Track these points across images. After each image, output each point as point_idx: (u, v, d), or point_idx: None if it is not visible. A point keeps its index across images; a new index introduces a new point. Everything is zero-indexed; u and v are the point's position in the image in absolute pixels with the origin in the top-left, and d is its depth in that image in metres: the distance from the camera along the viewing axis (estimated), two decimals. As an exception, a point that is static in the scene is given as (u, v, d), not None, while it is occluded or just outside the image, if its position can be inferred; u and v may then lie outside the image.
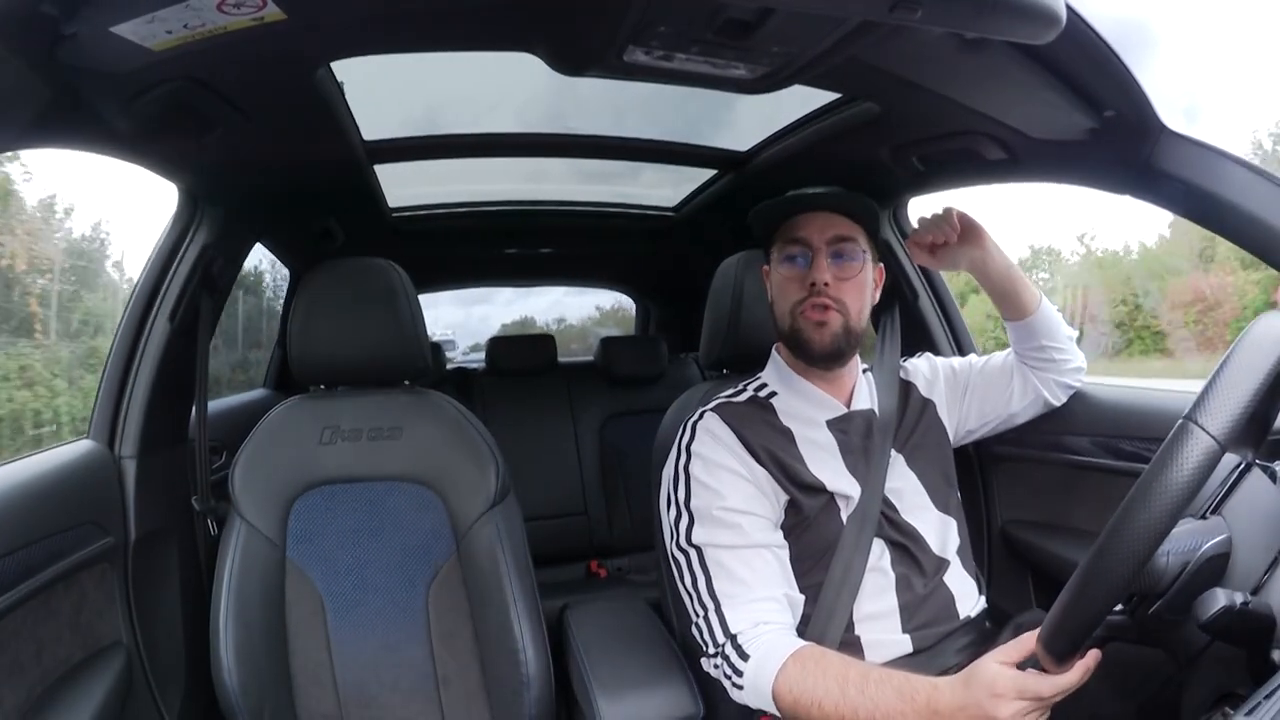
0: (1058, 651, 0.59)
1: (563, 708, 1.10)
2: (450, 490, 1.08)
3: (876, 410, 0.98)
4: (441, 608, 1.08)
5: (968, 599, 0.92)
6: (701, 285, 1.20)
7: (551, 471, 2.12)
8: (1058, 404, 1.07)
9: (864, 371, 1.03)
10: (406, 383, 1.16)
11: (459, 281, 2.88)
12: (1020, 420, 1.08)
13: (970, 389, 1.06)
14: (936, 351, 1.26)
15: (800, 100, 1.10)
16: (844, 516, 0.89)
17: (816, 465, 0.90)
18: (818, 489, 0.89)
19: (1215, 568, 0.61)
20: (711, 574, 0.84)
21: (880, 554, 0.89)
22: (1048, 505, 1.21)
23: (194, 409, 1.22)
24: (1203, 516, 0.66)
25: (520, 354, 2.31)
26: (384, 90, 1.08)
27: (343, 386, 1.14)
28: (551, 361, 2.29)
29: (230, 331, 1.99)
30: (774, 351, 1.02)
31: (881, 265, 0.99)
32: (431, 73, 1.08)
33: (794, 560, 0.88)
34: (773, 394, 0.97)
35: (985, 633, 0.92)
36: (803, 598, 0.86)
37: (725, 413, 0.92)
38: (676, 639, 1.05)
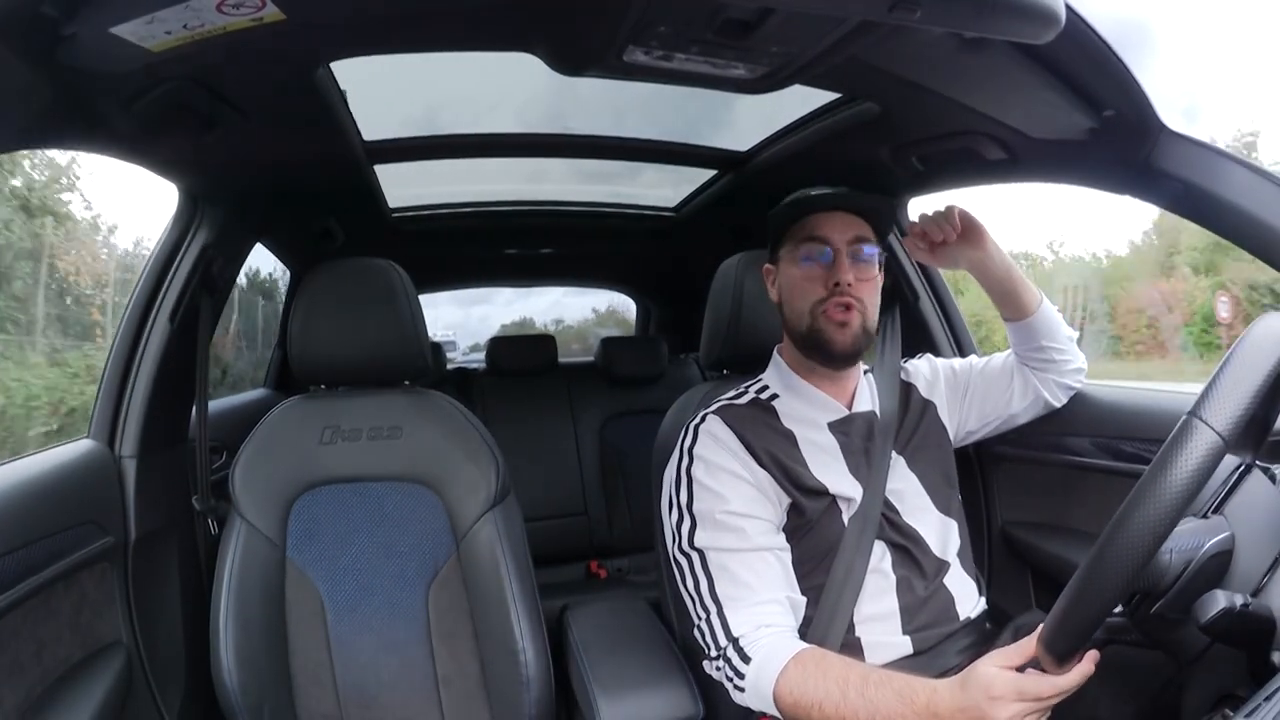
0: (1058, 651, 0.59)
1: (563, 708, 1.10)
2: (450, 490, 1.08)
3: (878, 412, 0.98)
4: (441, 608, 1.08)
5: (968, 600, 0.92)
6: (701, 285, 1.20)
7: (551, 472, 2.12)
8: (1058, 405, 1.07)
9: (865, 373, 1.03)
10: (407, 383, 1.16)
11: (459, 282, 2.88)
12: (1021, 421, 1.08)
13: (971, 390, 1.06)
14: (937, 352, 1.26)
15: (800, 100, 1.10)
16: (845, 519, 0.89)
17: (818, 467, 0.90)
18: (820, 492, 0.89)
19: (1218, 566, 0.61)
20: (714, 577, 0.84)
21: (881, 556, 0.89)
22: (1048, 506, 1.21)
23: (194, 409, 1.22)
24: (1204, 516, 0.66)
25: (520, 354, 2.31)
26: (384, 90, 1.08)
27: (343, 386, 1.14)
28: (552, 362, 2.29)
29: (251, 333, 2.01)
30: (775, 353, 1.02)
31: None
32: (431, 73, 1.08)
33: (795, 562, 0.88)
34: (774, 396, 0.97)
35: (985, 634, 0.92)
36: (804, 600, 0.86)
37: (727, 415, 0.92)
38: (676, 640, 1.05)
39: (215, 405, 1.35)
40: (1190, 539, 0.61)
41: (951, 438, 1.04)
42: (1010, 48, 0.75)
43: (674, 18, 0.69)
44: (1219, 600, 0.56)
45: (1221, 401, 0.51)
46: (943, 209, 1.02)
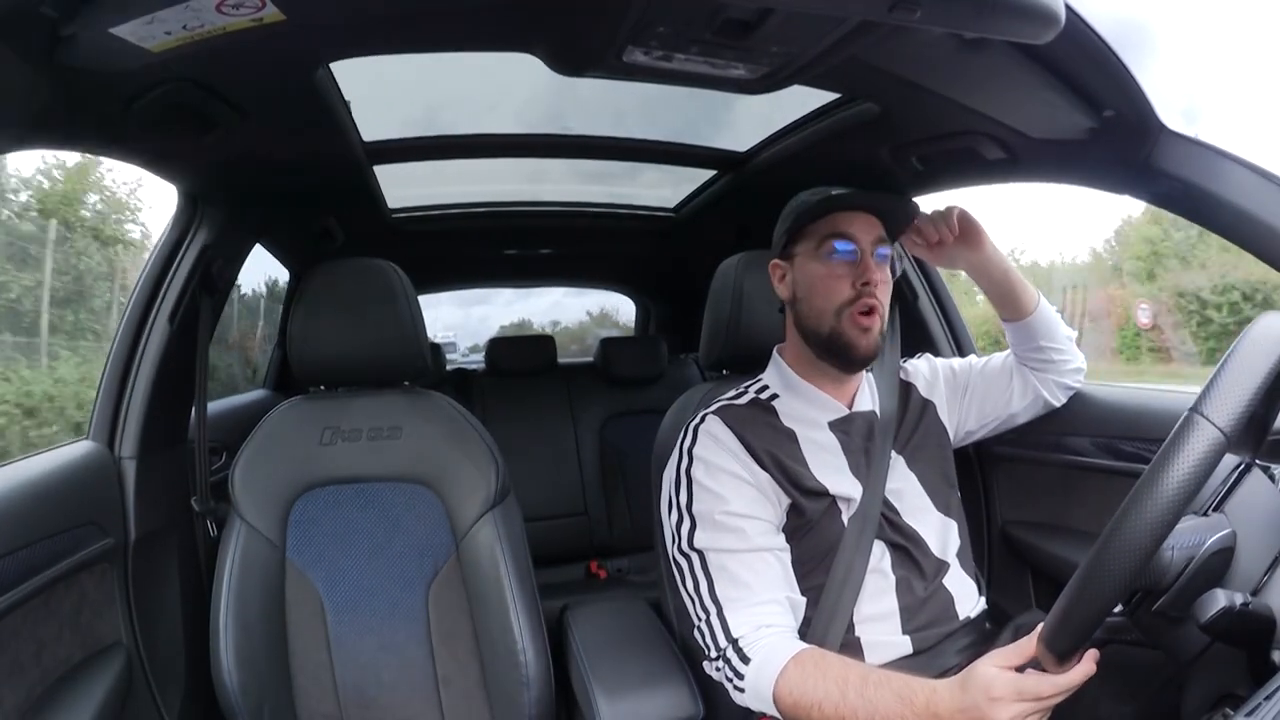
0: (1059, 650, 0.59)
1: (563, 708, 1.10)
2: (450, 490, 1.08)
3: (878, 411, 0.98)
4: (441, 608, 1.08)
5: (967, 600, 0.92)
6: (701, 285, 1.20)
7: (551, 472, 2.12)
8: (1058, 404, 1.07)
9: (865, 372, 1.02)
10: (406, 383, 1.16)
11: (459, 282, 2.88)
12: (1020, 421, 1.08)
13: (970, 390, 1.06)
14: (936, 352, 1.26)
15: (800, 100, 1.10)
16: (845, 519, 0.89)
17: (819, 467, 0.90)
18: (820, 493, 0.89)
19: (1220, 563, 0.62)
20: (714, 578, 0.84)
21: (881, 556, 0.89)
22: (1048, 506, 1.21)
23: (194, 409, 1.22)
24: (1204, 514, 0.66)
25: (520, 355, 2.31)
26: (384, 90, 1.08)
27: (343, 387, 1.14)
28: (551, 362, 2.29)
29: (273, 335, 2.05)
30: (775, 353, 1.02)
31: None
32: (431, 73, 1.08)
33: (795, 563, 0.88)
34: (774, 396, 0.97)
35: (985, 633, 0.92)
36: (804, 600, 0.86)
37: (727, 415, 0.92)
38: (677, 640, 1.05)
39: (215, 406, 1.35)
40: (1191, 536, 0.61)
41: (951, 438, 1.04)
42: (1010, 48, 0.75)
43: (674, 18, 0.69)
44: (1219, 599, 0.56)
45: (1223, 398, 0.51)
46: (943, 209, 1.02)
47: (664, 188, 1.77)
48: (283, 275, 1.86)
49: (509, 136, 1.36)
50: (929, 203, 1.29)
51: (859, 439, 0.94)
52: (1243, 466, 0.68)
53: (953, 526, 0.95)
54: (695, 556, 0.86)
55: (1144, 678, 0.83)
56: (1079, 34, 0.72)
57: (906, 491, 0.94)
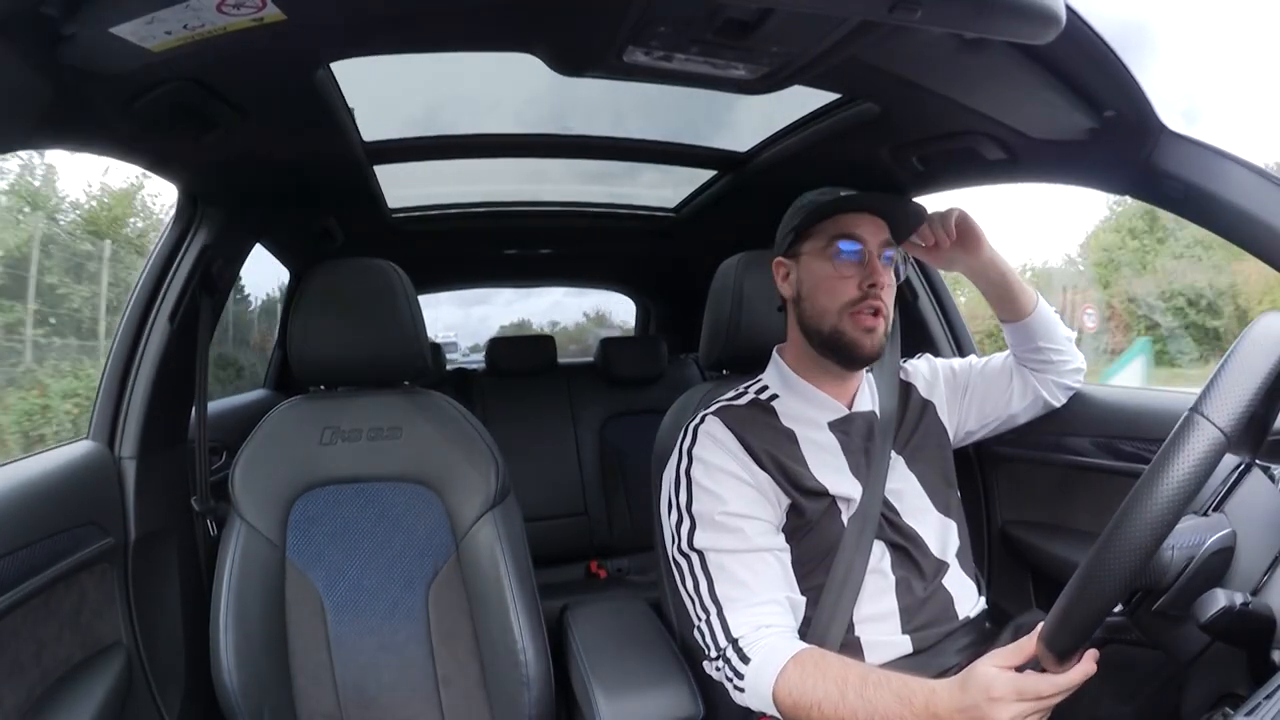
0: (1060, 649, 0.59)
1: (563, 708, 1.10)
2: (450, 490, 1.08)
3: (878, 411, 0.98)
4: (441, 608, 1.08)
5: (967, 600, 0.92)
6: (701, 286, 1.20)
7: (551, 472, 2.12)
8: (1057, 405, 1.07)
9: (866, 372, 1.03)
10: (406, 383, 1.16)
11: (459, 282, 2.88)
12: (1020, 421, 1.08)
13: (970, 390, 1.06)
14: (936, 352, 1.26)
15: (800, 101, 1.10)
16: (845, 519, 0.89)
17: (819, 467, 0.90)
18: (820, 493, 0.89)
19: (1220, 562, 0.62)
20: (713, 578, 0.84)
21: (880, 556, 0.89)
22: (1048, 506, 1.21)
23: (194, 409, 1.22)
24: (1204, 514, 0.66)
25: (520, 354, 2.31)
26: (384, 90, 1.08)
27: (343, 387, 1.14)
28: (551, 362, 2.29)
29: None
30: (775, 353, 1.02)
31: None
32: (431, 73, 1.08)
33: (795, 563, 0.88)
34: (774, 396, 0.97)
35: (985, 633, 0.92)
36: (804, 600, 0.86)
37: (726, 416, 0.92)
38: (676, 640, 1.05)
39: (215, 406, 1.35)
40: (1192, 536, 0.61)
41: (951, 438, 1.04)
42: (1010, 48, 0.75)
43: (674, 18, 0.69)
44: (1219, 599, 0.56)
45: (1223, 398, 0.51)
46: (942, 212, 1.02)
47: (664, 188, 1.77)
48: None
49: (509, 136, 1.36)
50: (929, 203, 1.30)
51: (859, 439, 0.94)
52: (1242, 467, 0.68)
53: (952, 527, 0.95)
54: (695, 556, 0.86)
55: (1144, 678, 0.83)
56: (1079, 34, 0.72)
57: (906, 492, 0.94)
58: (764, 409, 0.95)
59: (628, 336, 3.13)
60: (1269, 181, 0.80)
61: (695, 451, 0.90)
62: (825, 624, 0.85)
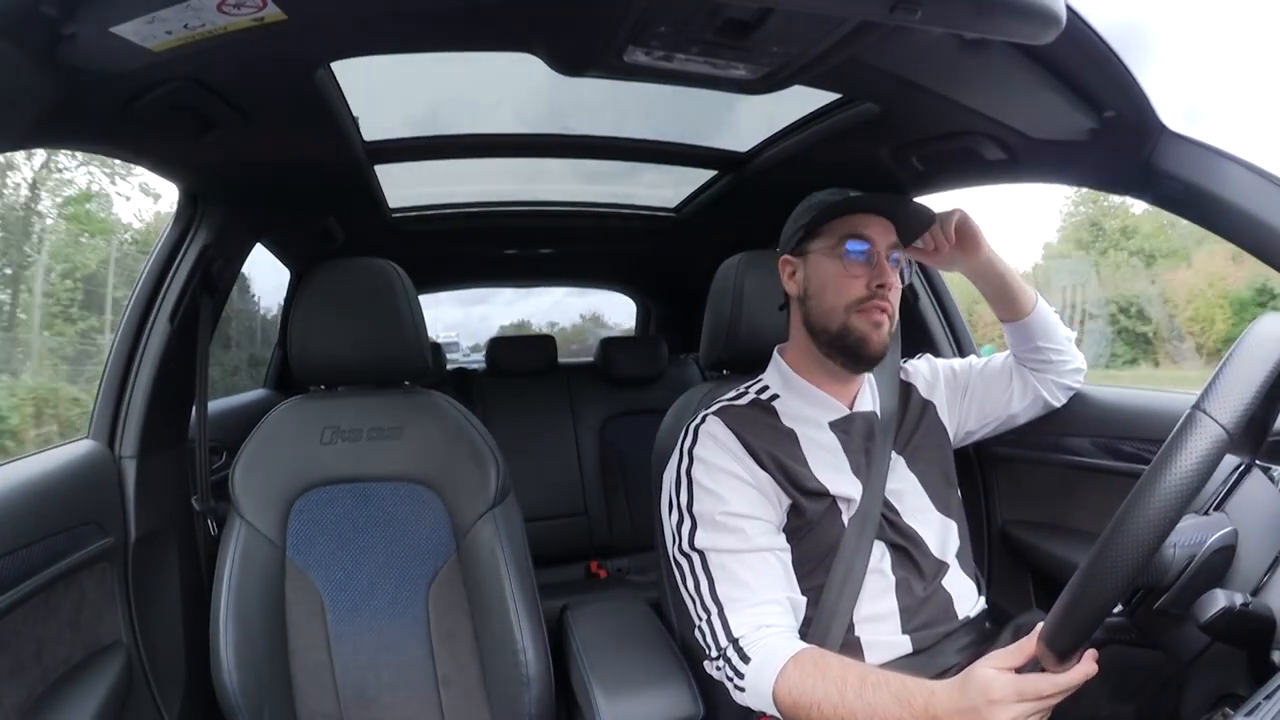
0: (1060, 648, 0.58)
1: (563, 708, 1.10)
2: (450, 490, 1.08)
3: (878, 412, 0.98)
4: (441, 608, 1.08)
5: (967, 600, 0.92)
6: (701, 285, 1.20)
7: (551, 472, 2.12)
8: (1058, 405, 1.07)
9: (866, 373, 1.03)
10: (406, 383, 1.16)
11: (459, 282, 2.88)
12: (1020, 421, 1.08)
13: (970, 390, 1.06)
14: (936, 353, 1.26)
15: (800, 101, 1.10)
16: (845, 519, 0.89)
17: (819, 467, 0.90)
18: (820, 493, 0.89)
19: (1222, 560, 0.62)
20: (714, 578, 0.84)
21: (881, 556, 0.89)
22: (1048, 506, 1.21)
23: (194, 409, 1.22)
24: (1205, 514, 0.66)
25: (520, 354, 2.31)
26: (384, 90, 1.08)
27: (343, 386, 1.14)
28: (551, 362, 2.29)
29: None
30: (776, 354, 1.02)
31: None
32: (431, 73, 1.08)
33: (795, 563, 0.88)
34: (774, 396, 0.97)
35: (985, 633, 0.92)
36: (804, 600, 0.86)
37: (727, 416, 0.92)
38: (677, 640, 1.05)
39: (215, 405, 1.35)
40: (1193, 534, 0.61)
41: (951, 438, 1.04)
42: (1010, 48, 0.75)
43: (674, 18, 0.69)
44: (1219, 599, 0.56)
45: (1224, 396, 0.51)
46: (942, 214, 1.02)
47: (665, 188, 1.77)
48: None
49: (509, 136, 1.36)
50: (929, 203, 1.30)
51: (859, 439, 0.94)
52: (1242, 467, 0.68)
53: (952, 527, 0.95)
54: (696, 556, 0.86)
55: (1144, 678, 0.83)
56: (1079, 34, 0.72)
57: (906, 492, 0.94)
58: (765, 409, 0.95)
59: (628, 336, 3.13)
60: (1269, 181, 0.80)
61: (696, 451, 0.90)
62: (825, 624, 0.85)
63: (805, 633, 0.85)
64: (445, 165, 1.45)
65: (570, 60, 0.83)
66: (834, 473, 0.91)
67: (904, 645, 0.86)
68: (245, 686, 0.96)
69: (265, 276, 1.92)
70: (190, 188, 1.14)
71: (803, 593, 0.87)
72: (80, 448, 1.06)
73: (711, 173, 1.57)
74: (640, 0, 0.66)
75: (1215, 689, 0.64)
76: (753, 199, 1.57)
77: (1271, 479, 0.68)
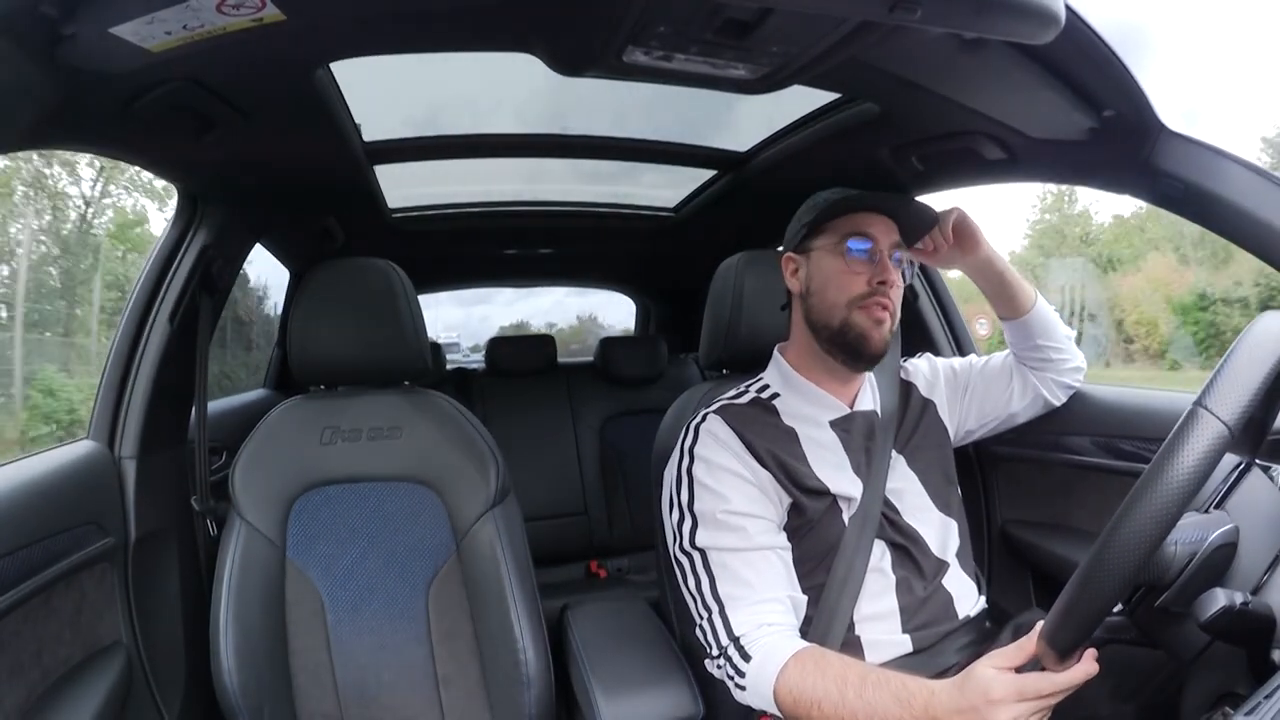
0: (1061, 646, 0.58)
1: (563, 708, 1.10)
2: (450, 490, 1.08)
3: (878, 411, 0.98)
4: (441, 608, 1.08)
5: (967, 599, 0.92)
6: (701, 285, 1.20)
7: (551, 471, 2.12)
8: (1058, 404, 1.07)
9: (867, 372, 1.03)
10: (406, 383, 1.16)
11: (459, 282, 2.88)
12: (1020, 420, 1.08)
13: (970, 389, 1.07)
14: (936, 352, 1.26)
15: (800, 100, 1.10)
16: (846, 518, 0.89)
17: (820, 465, 0.90)
18: (821, 492, 0.89)
19: (1223, 557, 0.62)
20: (715, 576, 0.84)
21: (881, 555, 0.89)
22: (1048, 505, 1.21)
23: (194, 409, 1.22)
24: (1205, 512, 0.66)
25: (520, 354, 2.31)
26: (384, 90, 1.08)
27: (343, 386, 1.14)
28: (551, 362, 2.29)
29: None
30: (776, 353, 1.02)
31: None
32: (431, 73, 1.08)
33: (796, 562, 0.88)
34: (775, 395, 0.97)
35: (985, 632, 0.92)
36: (805, 599, 0.87)
37: (728, 414, 0.92)
38: (677, 639, 1.05)
39: (215, 406, 1.35)
40: (1194, 531, 0.61)
41: (951, 437, 1.04)
42: (1010, 48, 0.75)
43: (674, 18, 0.69)
44: (1219, 599, 0.56)
45: (1226, 392, 0.51)
46: (941, 213, 1.03)
47: (664, 188, 1.77)
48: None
49: (509, 136, 1.36)
50: (928, 202, 1.30)
51: (860, 438, 0.95)
52: (1242, 466, 0.69)
53: (952, 526, 0.95)
54: (697, 555, 0.86)
55: (1144, 677, 0.83)
56: (1079, 34, 0.72)
57: (907, 491, 0.94)
58: (765, 408, 0.95)
59: (628, 336, 3.13)
60: (1268, 181, 0.80)
61: (697, 450, 0.90)
62: (826, 623, 0.86)
63: (806, 632, 0.85)
64: (445, 165, 1.45)
65: (569, 60, 0.83)
66: (834, 471, 0.91)
67: (904, 644, 0.86)
68: (245, 686, 0.96)
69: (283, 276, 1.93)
70: (190, 188, 1.14)
71: (803, 591, 0.87)
72: (80, 448, 1.06)
73: (711, 172, 1.57)
74: (640, 0, 0.66)
75: (1215, 688, 0.64)
76: (752, 199, 1.57)
77: (1271, 478, 0.68)
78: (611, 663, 1.00)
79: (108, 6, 0.61)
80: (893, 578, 0.89)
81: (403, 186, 1.55)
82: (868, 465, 0.92)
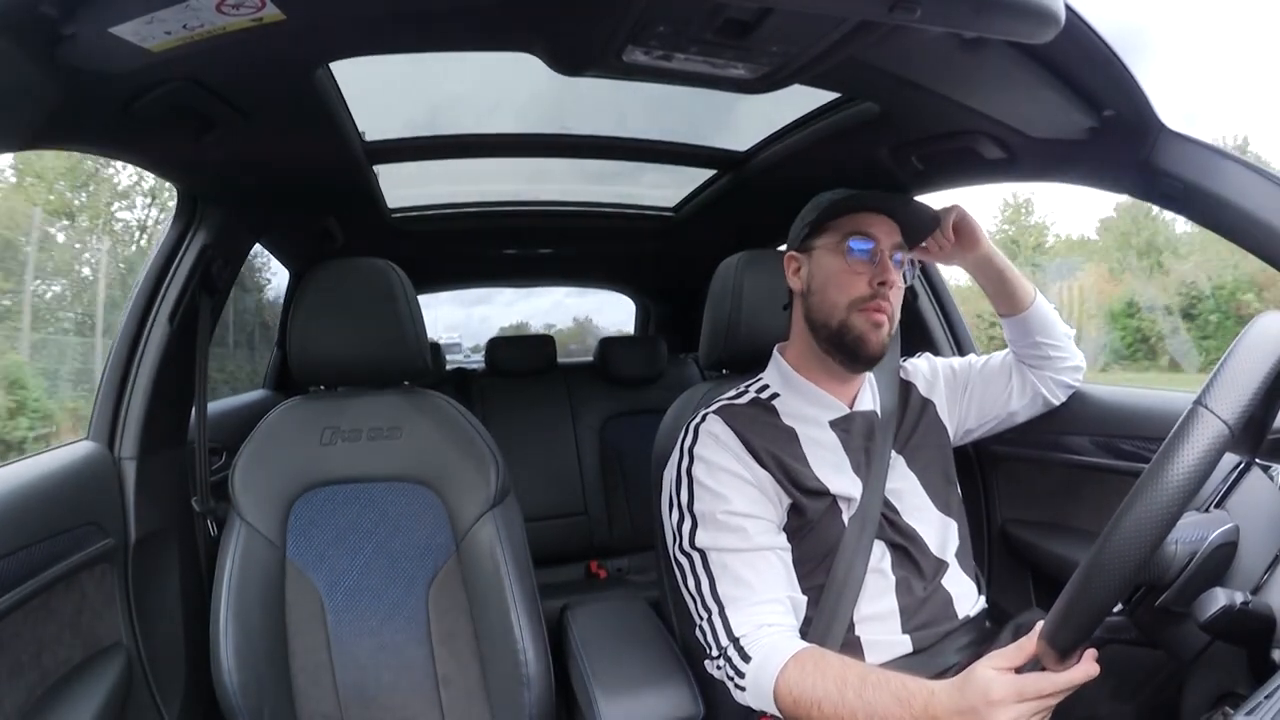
0: (1061, 646, 0.58)
1: (563, 708, 1.10)
2: (450, 490, 1.08)
3: (878, 411, 0.98)
4: (441, 608, 1.08)
5: (966, 600, 0.92)
6: (701, 285, 1.20)
7: (551, 471, 2.12)
8: (1057, 403, 1.07)
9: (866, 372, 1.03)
10: (406, 383, 1.16)
11: (459, 282, 2.88)
12: (1020, 419, 1.08)
13: (970, 388, 1.07)
14: (936, 352, 1.26)
15: (800, 100, 1.10)
16: (845, 519, 0.89)
17: (819, 465, 0.90)
18: (820, 492, 0.89)
19: (1223, 557, 0.62)
20: (715, 577, 0.84)
21: (881, 556, 0.89)
22: (1047, 505, 1.21)
23: (194, 410, 1.22)
24: (1205, 511, 0.66)
25: (520, 354, 2.31)
26: (384, 90, 1.08)
27: (343, 387, 1.14)
28: (551, 362, 2.29)
29: None
30: (776, 353, 1.02)
31: None
32: (431, 73, 1.08)
33: (796, 562, 0.88)
34: (774, 395, 0.97)
35: (985, 632, 0.92)
36: (805, 599, 0.86)
37: (727, 415, 0.92)
38: (677, 639, 1.05)
39: (215, 406, 1.35)
40: (1194, 531, 0.61)
41: (951, 436, 1.04)
42: (1010, 47, 0.75)
43: (673, 18, 0.69)
44: (1219, 598, 0.56)
45: (1226, 391, 0.51)
46: (941, 210, 1.03)
47: (664, 188, 1.77)
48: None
49: (509, 136, 1.36)
50: (928, 202, 1.30)
51: (859, 438, 0.94)
52: (1242, 465, 0.69)
53: (952, 526, 0.95)
54: (697, 555, 0.86)
55: (1144, 677, 0.83)
56: (1078, 33, 0.72)
57: (906, 491, 0.94)
58: (765, 408, 0.95)
59: (628, 336, 3.13)
60: (1268, 180, 0.80)
61: (697, 450, 0.90)
62: (826, 623, 0.85)
63: (805, 632, 0.85)
64: (445, 165, 1.45)
65: (569, 60, 0.83)
66: (834, 472, 0.91)
67: (904, 645, 0.86)
68: (245, 687, 0.96)
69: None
70: (189, 188, 1.14)
71: (803, 592, 0.87)
72: (80, 449, 1.06)
73: (711, 172, 1.57)
74: (640, 0, 0.66)
75: (1215, 688, 0.64)
76: (752, 199, 1.57)
77: (1271, 477, 0.68)
78: (611, 663, 1.00)
79: (108, 6, 0.61)
80: (892, 578, 0.89)
81: (403, 186, 1.55)
82: (867, 465, 0.92)
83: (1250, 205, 0.81)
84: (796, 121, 1.23)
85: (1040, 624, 0.61)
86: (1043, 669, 0.61)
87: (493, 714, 1.04)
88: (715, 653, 0.82)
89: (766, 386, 0.99)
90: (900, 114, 1.01)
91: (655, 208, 1.88)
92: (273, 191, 1.27)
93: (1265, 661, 0.57)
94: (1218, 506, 0.66)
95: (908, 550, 0.90)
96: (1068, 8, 0.65)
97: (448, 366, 2.48)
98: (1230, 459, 0.68)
